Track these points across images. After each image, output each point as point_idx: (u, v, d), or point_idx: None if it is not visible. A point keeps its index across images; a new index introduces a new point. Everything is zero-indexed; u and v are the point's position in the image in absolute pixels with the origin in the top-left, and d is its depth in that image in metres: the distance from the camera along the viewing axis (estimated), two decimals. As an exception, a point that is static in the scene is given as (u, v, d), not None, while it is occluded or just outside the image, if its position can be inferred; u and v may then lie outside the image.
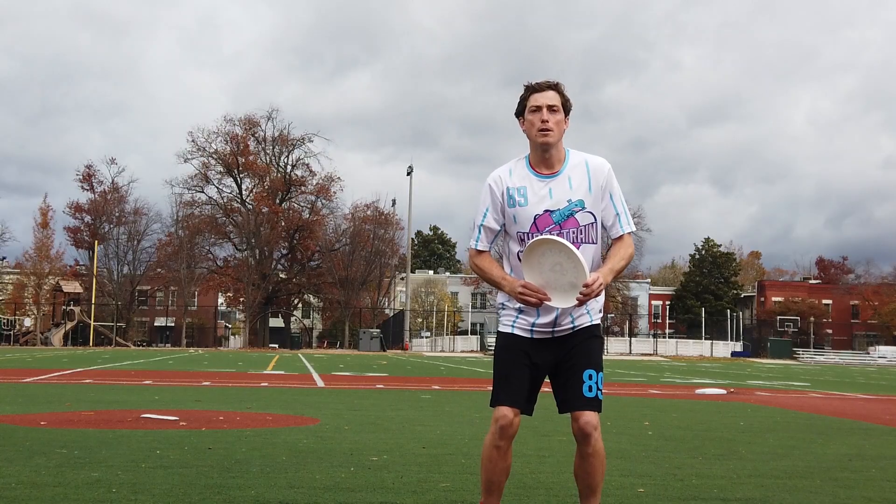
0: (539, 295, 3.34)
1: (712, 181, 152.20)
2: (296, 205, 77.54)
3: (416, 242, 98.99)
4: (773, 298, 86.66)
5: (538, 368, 3.52)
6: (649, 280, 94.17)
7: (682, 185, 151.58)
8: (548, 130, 3.38)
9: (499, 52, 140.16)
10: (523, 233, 3.46)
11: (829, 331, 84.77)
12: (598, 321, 3.58)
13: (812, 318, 79.76)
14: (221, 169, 75.58)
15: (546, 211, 3.43)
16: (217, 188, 76.13)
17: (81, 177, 75.54)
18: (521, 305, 3.47)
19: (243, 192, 76.59)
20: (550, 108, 3.40)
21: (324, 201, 76.32)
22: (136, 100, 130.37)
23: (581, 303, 3.31)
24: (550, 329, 3.50)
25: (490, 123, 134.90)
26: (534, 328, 3.51)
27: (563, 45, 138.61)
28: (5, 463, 5.34)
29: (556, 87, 3.46)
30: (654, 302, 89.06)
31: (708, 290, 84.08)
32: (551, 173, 3.44)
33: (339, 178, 77.09)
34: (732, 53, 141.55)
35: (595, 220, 3.46)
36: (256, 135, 76.80)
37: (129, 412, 8.93)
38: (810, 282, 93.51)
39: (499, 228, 3.55)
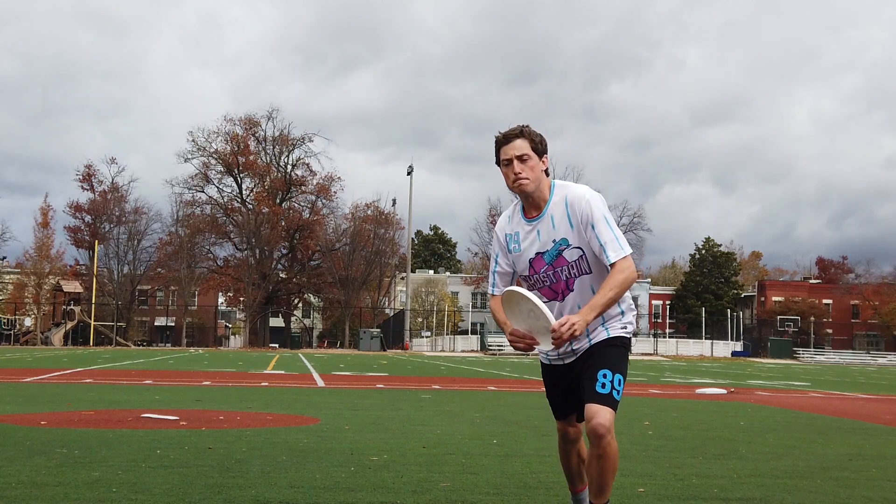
0: (526, 340, 3.42)
1: (714, 181, 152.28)
2: (296, 204, 77.62)
3: (416, 242, 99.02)
4: (774, 298, 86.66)
5: (576, 384, 3.61)
6: (650, 280, 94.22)
7: (683, 185, 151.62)
8: (521, 181, 3.42)
9: (502, 51, 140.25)
10: (525, 276, 3.61)
11: (830, 331, 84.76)
12: (620, 334, 3.57)
13: (812, 318, 79.75)
14: (222, 169, 75.63)
15: (538, 253, 3.52)
16: (217, 188, 76.28)
17: (81, 177, 75.62)
18: None
19: (243, 192, 76.66)
20: (520, 158, 3.42)
21: (324, 201, 76.42)
22: (139, 99, 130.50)
23: (558, 346, 3.33)
24: (572, 351, 3.60)
25: (492, 123, 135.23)
26: (561, 355, 3.63)
27: (567, 45, 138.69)
28: (5, 462, 5.34)
29: (522, 133, 3.45)
30: (654, 301, 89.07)
31: (708, 290, 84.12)
32: (537, 215, 3.50)
33: (339, 177, 77.26)
34: (736, 53, 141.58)
35: (584, 252, 3.47)
36: (257, 134, 76.87)
37: (129, 412, 8.94)
38: (810, 282, 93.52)
39: (512, 271, 3.68)
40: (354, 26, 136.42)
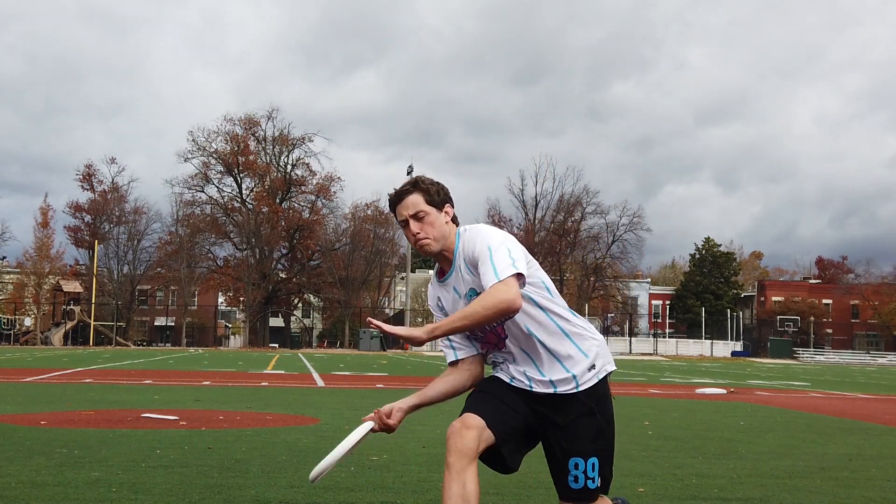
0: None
1: (716, 180, 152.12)
2: (296, 204, 77.64)
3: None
4: (774, 298, 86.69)
5: (515, 407, 3.04)
6: (649, 280, 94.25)
7: (685, 185, 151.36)
8: (422, 243, 3.04)
9: (505, 50, 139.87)
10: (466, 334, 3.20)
11: (830, 331, 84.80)
12: (593, 382, 3.03)
13: (812, 318, 79.82)
14: (222, 168, 75.66)
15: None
16: (217, 188, 76.31)
17: (81, 176, 75.67)
18: (493, 361, 3.17)
19: (243, 192, 76.69)
20: (416, 216, 3.03)
21: (324, 201, 76.45)
22: (141, 98, 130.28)
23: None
24: (527, 381, 3.06)
25: (495, 122, 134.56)
26: (513, 379, 3.11)
27: (571, 44, 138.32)
28: (5, 462, 5.34)
29: (413, 188, 3.06)
30: (654, 301, 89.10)
31: (708, 290, 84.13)
32: (449, 270, 3.11)
33: (339, 177, 77.31)
34: (739, 52, 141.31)
35: None
36: (256, 134, 76.92)
37: (129, 412, 8.94)
38: (810, 282, 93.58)
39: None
40: (357, 25, 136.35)
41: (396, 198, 3.08)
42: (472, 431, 2.87)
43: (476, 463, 2.87)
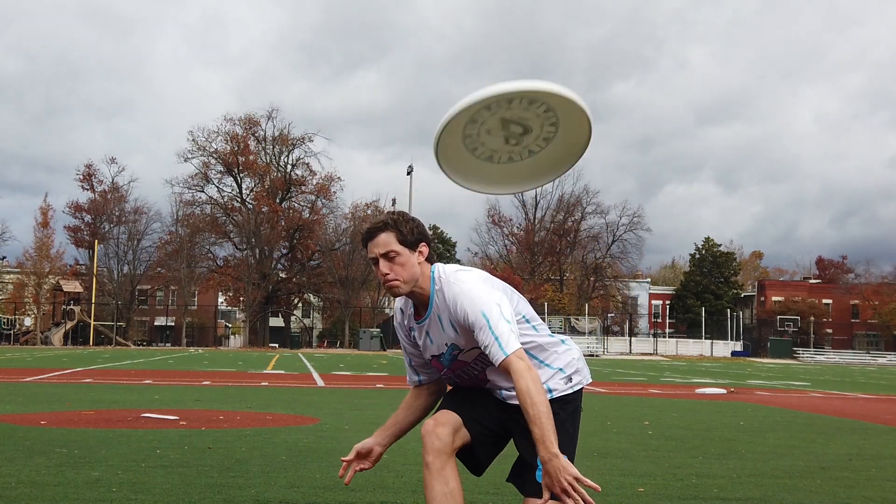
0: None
1: (717, 180, 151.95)
2: (296, 204, 77.65)
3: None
4: (774, 298, 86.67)
5: (489, 408, 3.08)
6: (649, 280, 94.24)
7: (686, 185, 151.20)
8: (390, 284, 2.94)
9: (506, 50, 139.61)
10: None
11: (830, 330, 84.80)
12: (564, 393, 3.05)
13: (812, 318, 79.81)
14: (221, 168, 75.67)
15: (433, 356, 3.08)
16: (217, 187, 76.28)
17: (81, 176, 75.66)
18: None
19: (243, 192, 76.71)
20: (386, 256, 2.92)
21: (324, 201, 76.47)
22: (142, 98, 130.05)
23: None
24: (501, 395, 3.07)
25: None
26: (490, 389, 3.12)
27: (572, 43, 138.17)
28: (5, 462, 5.34)
29: (386, 226, 2.96)
30: (654, 301, 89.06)
31: (708, 290, 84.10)
32: (424, 314, 3.03)
33: (339, 177, 77.33)
34: (740, 52, 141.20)
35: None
36: (256, 134, 76.90)
37: (129, 412, 8.94)
38: (810, 281, 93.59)
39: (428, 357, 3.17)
40: (358, 25, 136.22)
41: (368, 235, 3.00)
42: (445, 428, 2.92)
43: (454, 459, 2.92)
